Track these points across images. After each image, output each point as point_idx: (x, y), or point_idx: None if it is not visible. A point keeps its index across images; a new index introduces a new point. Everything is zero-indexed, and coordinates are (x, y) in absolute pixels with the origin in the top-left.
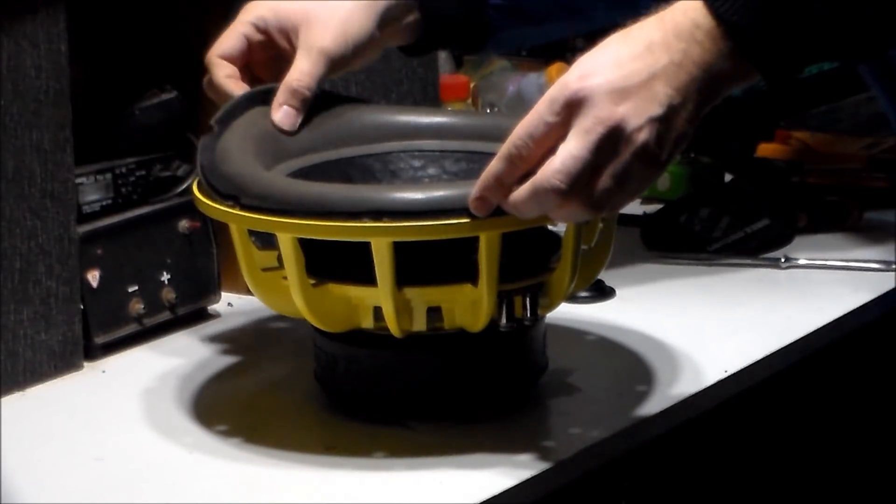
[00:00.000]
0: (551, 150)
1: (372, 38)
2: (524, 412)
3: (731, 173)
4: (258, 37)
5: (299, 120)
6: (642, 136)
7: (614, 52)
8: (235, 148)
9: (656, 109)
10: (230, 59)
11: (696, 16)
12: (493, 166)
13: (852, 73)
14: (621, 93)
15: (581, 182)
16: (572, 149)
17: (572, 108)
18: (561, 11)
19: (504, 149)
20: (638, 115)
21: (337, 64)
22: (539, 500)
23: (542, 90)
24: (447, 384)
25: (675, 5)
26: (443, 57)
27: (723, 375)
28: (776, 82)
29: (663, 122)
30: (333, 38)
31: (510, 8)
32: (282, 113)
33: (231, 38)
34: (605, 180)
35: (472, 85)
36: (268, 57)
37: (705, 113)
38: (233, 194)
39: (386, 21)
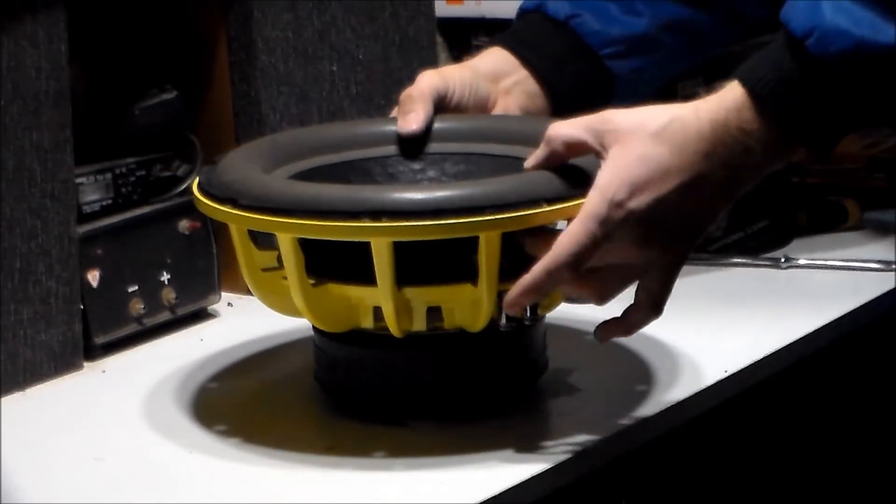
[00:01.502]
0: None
1: (475, 86)
2: (524, 412)
3: None
4: None
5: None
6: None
7: (658, 156)
8: (235, 159)
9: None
10: None
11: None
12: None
13: None
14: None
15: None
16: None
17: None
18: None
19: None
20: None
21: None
22: (539, 500)
23: None
24: (447, 384)
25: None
26: (442, 57)
27: (723, 375)
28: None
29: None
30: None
31: (625, 49)
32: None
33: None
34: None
35: None
36: None
37: None
38: (231, 196)
39: (496, 77)
